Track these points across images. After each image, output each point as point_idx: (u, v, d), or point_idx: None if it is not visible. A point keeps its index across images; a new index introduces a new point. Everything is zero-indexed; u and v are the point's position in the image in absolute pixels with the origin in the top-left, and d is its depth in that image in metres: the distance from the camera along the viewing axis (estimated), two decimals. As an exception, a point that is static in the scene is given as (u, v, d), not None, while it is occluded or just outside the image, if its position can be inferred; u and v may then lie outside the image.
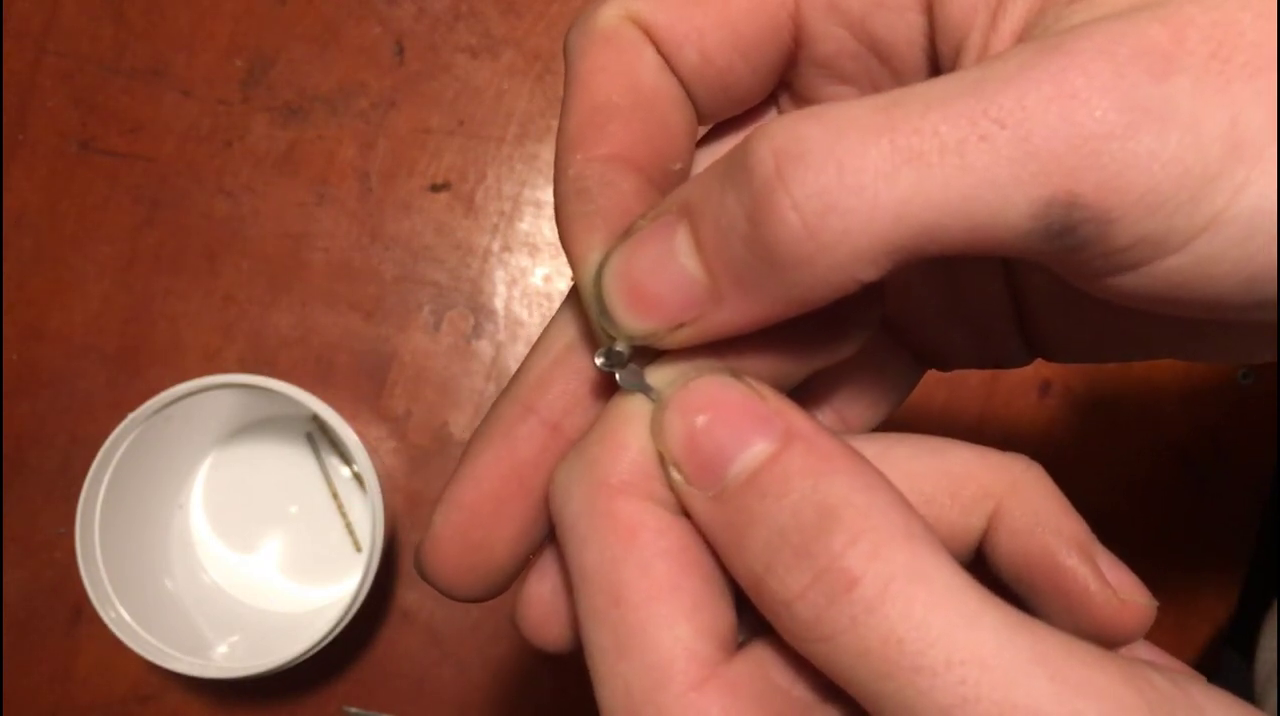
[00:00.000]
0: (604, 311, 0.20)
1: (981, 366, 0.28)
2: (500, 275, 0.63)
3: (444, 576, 0.24)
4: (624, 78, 0.23)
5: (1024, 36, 0.20)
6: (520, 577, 0.24)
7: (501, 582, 0.24)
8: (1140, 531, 0.60)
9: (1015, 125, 0.17)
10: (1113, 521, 0.23)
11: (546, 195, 0.63)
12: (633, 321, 0.20)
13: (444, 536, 0.23)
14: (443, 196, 0.63)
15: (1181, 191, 0.17)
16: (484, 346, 0.62)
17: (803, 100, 0.26)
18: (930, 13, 0.22)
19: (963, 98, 0.17)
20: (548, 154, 0.63)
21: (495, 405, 0.24)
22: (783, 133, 0.18)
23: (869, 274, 0.18)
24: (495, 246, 0.63)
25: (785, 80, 0.25)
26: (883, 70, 0.24)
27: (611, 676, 0.19)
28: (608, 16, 0.23)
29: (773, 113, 0.26)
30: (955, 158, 0.17)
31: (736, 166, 0.18)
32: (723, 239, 0.19)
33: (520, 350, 0.62)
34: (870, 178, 0.17)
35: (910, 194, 0.17)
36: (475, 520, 0.23)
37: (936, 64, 0.23)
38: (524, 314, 0.63)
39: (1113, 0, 0.18)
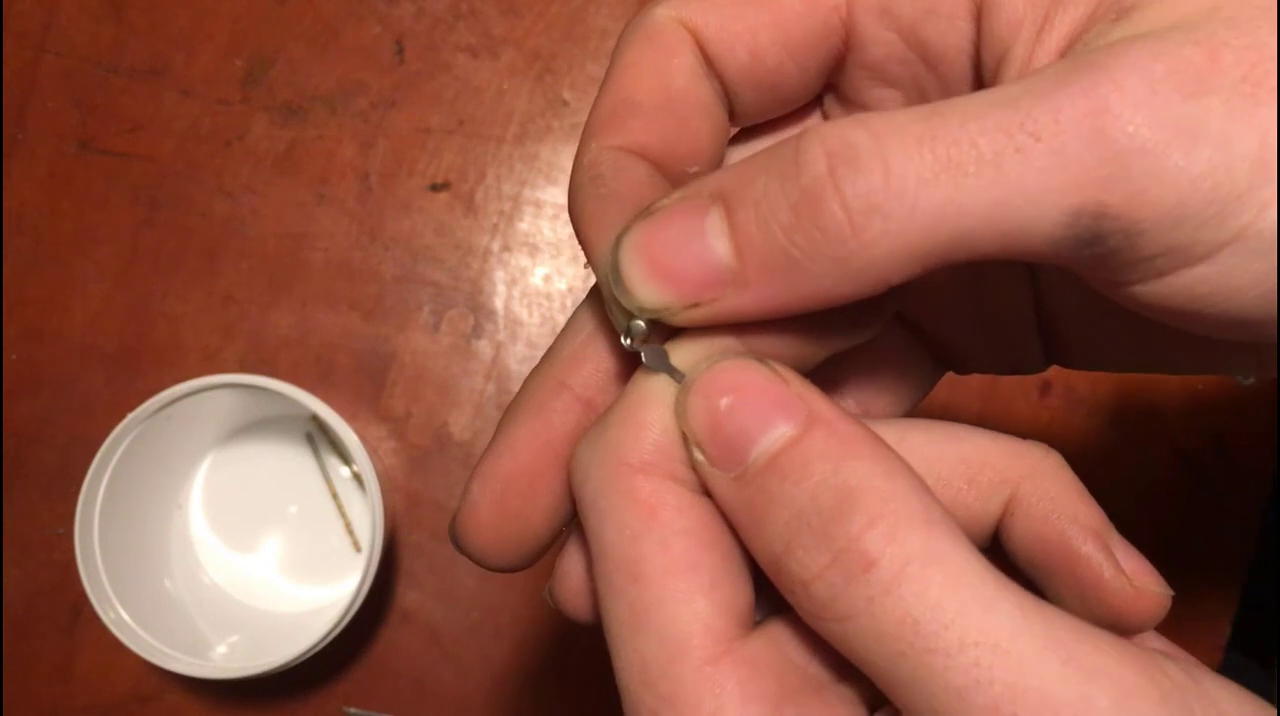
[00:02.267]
0: (619, 281, 0.20)
1: (999, 371, 0.29)
2: (500, 275, 0.63)
3: (480, 545, 0.24)
4: (655, 77, 0.23)
5: (1068, 52, 0.20)
6: (549, 554, 0.25)
7: (535, 553, 0.24)
8: (1141, 532, 0.60)
9: (1050, 138, 0.17)
10: (1114, 522, 0.23)
11: (546, 195, 0.63)
12: (649, 292, 0.20)
13: (481, 505, 0.24)
14: (442, 196, 0.63)
15: (1209, 206, 0.17)
16: (484, 346, 0.62)
17: (848, 102, 0.26)
18: (979, 22, 0.22)
19: (1000, 110, 0.18)
20: (548, 154, 0.63)
21: (528, 380, 0.24)
22: (835, 136, 0.18)
23: (898, 276, 0.19)
24: (495, 246, 0.63)
25: (831, 82, 0.26)
26: (930, 76, 0.24)
27: (628, 650, 0.19)
28: (659, 15, 0.24)
29: (816, 115, 0.27)
30: (991, 168, 0.18)
31: (785, 161, 0.19)
32: (762, 225, 0.19)
33: (520, 350, 0.62)
34: (912, 183, 0.18)
35: (947, 200, 0.18)
36: (512, 490, 0.23)
37: (982, 73, 0.23)
38: (524, 313, 0.63)
39: (1152, 19, 0.19)
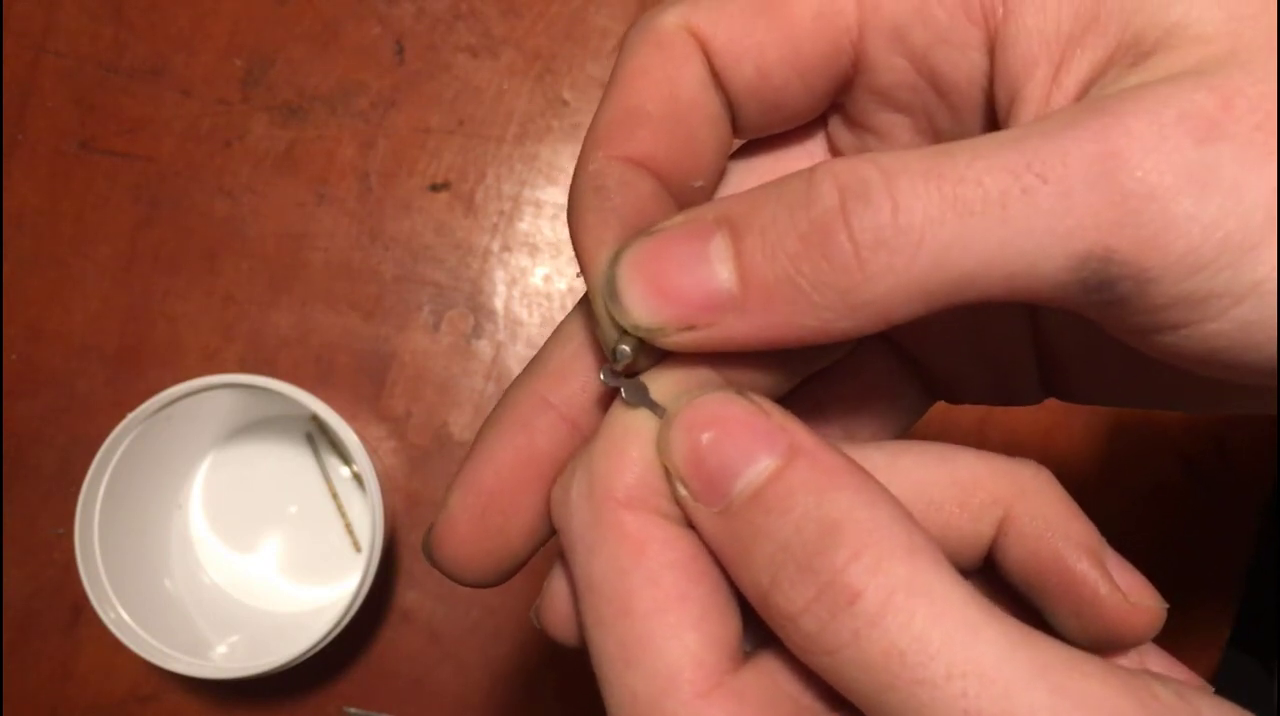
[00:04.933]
0: (614, 295, 0.20)
1: (993, 402, 0.29)
2: (500, 275, 0.63)
3: (456, 559, 0.24)
4: (664, 86, 0.23)
5: (1083, 96, 0.20)
6: (523, 575, 0.24)
7: (509, 571, 0.24)
8: (1142, 535, 0.60)
9: (1057, 180, 0.17)
10: (1114, 525, 0.23)
11: (546, 195, 0.63)
12: (645, 310, 0.20)
13: (461, 519, 0.23)
14: (442, 196, 0.63)
15: (1222, 256, 0.17)
16: (484, 346, 0.62)
17: (854, 124, 0.26)
18: (992, 56, 0.22)
19: (1007, 150, 0.18)
20: (548, 154, 0.63)
21: (511, 391, 0.24)
22: (847, 171, 0.18)
23: (900, 314, 0.19)
24: (495, 246, 0.63)
25: (838, 103, 0.25)
26: (940, 104, 0.24)
27: (619, 684, 0.19)
28: (667, 21, 0.23)
29: (820, 135, 0.27)
30: (997, 208, 0.17)
31: (796, 192, 0.19)
32: (769, 252, 0.19)
33: (520, 350, 0.62)
34: (919, 220, 0.18)
35: (953, 239, 0.18)
36: (493, 504, 0.23)
37: (995, 108, 0.23)
38: (524, 314, 0.62)
39: (1169, 64, 0.18)
